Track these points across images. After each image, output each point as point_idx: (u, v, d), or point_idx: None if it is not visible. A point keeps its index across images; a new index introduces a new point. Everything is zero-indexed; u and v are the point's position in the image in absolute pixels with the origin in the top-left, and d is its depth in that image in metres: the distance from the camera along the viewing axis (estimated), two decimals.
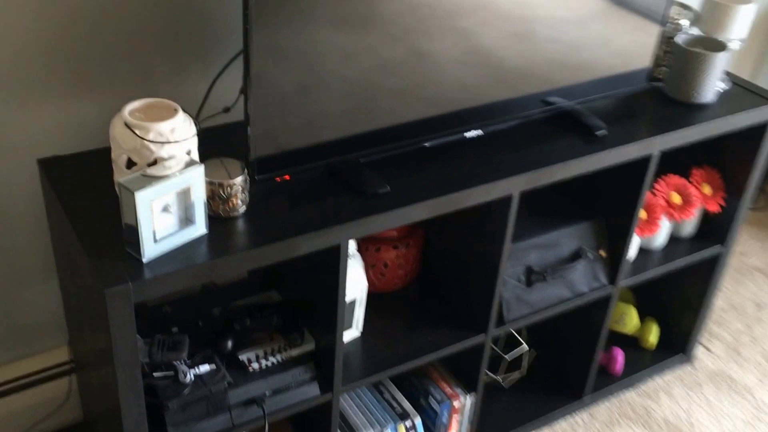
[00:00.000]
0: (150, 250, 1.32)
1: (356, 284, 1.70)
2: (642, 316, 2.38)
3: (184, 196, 1.35)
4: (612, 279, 1.98)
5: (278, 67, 1.36)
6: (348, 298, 1.69)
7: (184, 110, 1.41)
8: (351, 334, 1.76)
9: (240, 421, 1.57)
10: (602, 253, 1.94)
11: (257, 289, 1.83)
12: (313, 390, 1.64)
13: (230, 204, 1.42)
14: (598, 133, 1.75)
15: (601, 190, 1.94)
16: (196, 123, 1.42)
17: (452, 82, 1.58)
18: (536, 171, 1.63)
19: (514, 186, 1.62)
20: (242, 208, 1.45)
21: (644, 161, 1.81)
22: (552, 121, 1.79)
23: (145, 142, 1.33)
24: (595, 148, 1.71)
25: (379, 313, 1.86)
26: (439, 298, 1.90)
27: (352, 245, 1.68)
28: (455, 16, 1.51)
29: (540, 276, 1.84)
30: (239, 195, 1.43)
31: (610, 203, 1.93)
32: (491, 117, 1.69)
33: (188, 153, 1.39)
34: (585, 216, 1.92)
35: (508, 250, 1.71)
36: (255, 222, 1.44)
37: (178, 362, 1.55)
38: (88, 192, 1.46)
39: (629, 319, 2.29)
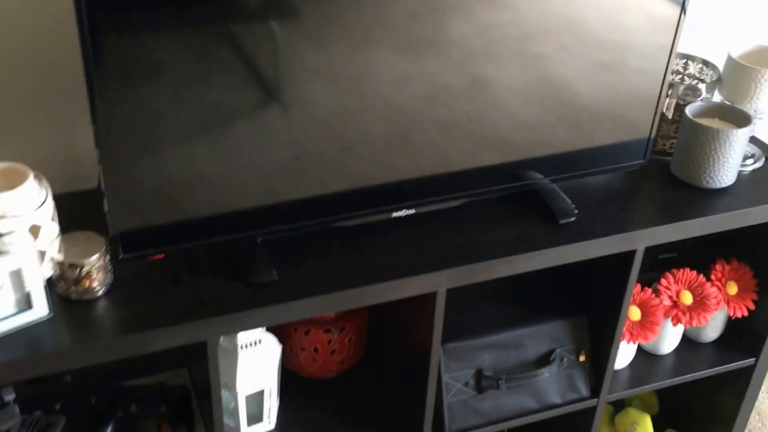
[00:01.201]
0: None
1: (264, 373, 1.60)
2: (661, 428, 2.15)
3: (20, 276, 1.30)
4: (595, 390, 1.78)
5: (138, 124, 1.28)
6: (253, 389, 1.60)
7: (38, 176, 1.36)
8: (261, 427, 1.67)
9: None
10: (582, 358, 1.75)
11: (176, 365, 1.76)
12: None
13: (82, 286, 1.36)
14: (562, 221, 1.58)
15: (583, 282, 1.75)
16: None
17: (378, 147, 1.45)
18: (466, 266, 1.48)
19: (436, 283, 1.47)
20: (101, 290, 1.38)
21: (627, 256, 1.62)
22: (514, 199, 1.63)
23: None
24: (554, 240, 1.54)
25: (308, 403, 1.75)
26: (377, 393, 1.77)
27: (256, 332, 1.58)
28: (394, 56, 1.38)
29: (492, 382, 1.67)
30: (95, 276, 1.36)
31: (593, 299, 1.74)
32: (430, 193, 1.54)
33: (33, 226, 1.33)
34: (562, 311, 1.74)
35: (438, 351, 1.56)
36: (112, 308, 1.37)
37: None
38: None
39: (642, 431, 2.07)
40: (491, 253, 1.50)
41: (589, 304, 1.74)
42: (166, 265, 1.45)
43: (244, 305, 1.38)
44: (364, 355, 1.83)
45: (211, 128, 1.33)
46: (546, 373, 1.71)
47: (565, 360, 1.73)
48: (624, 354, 1.83)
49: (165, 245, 1.41)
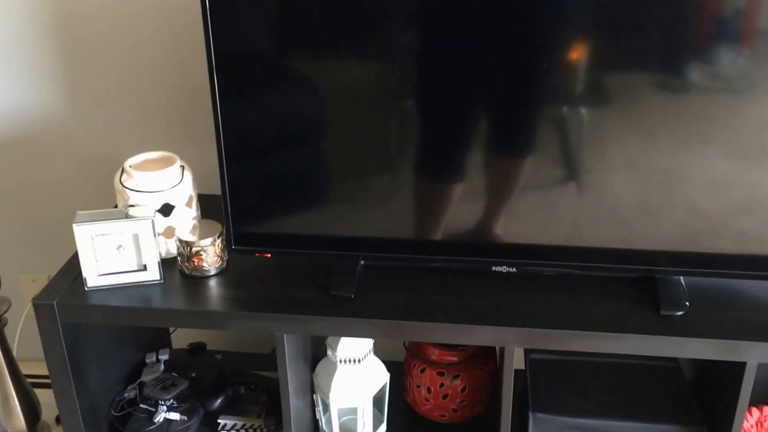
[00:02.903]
0: (91, 280, 1.68)
1: (360, 393, 1.82)
2: None
3: (138, 241, 1.67)
4: None
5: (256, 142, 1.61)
6: (345, 404, 1.82)
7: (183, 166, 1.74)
8: None
9: None
10: None
11: None
12: None
13: (193, 263, 1.70)
14: (665, 312, 1.60)
15: (706, 393, 1.72)
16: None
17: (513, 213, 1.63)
18: (536, 329, 1.57)
19: (502, 338, 1.59)
20: (211, 271, 1.72)
21: (737, 370, 1.58)
22: (623, 280, 1.68)
23: (122, 186, 1.70)
24: (643, 328, 1.57)
25: None
26: None
27: (363, 346, 1.80)
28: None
29: None
30: (204, 257, 1.70)
31: (713, 412, 1.70)
32: (540, 258, 1.66)
33: (166, 205, 1.71)
34: (679, 417, 1.73)
35: (508, 413, 1.67)
36: (212, 288, 1.69)
37: (163, 402, 1.88)
38: None
39: None
40: (570, 324, 1.58)
41: (710, 416, 1.70)
42: (275, 263, 1.74)
43: (310, 311, 1.62)
44: (482, 411, 1.95)
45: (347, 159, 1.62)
46: None
47: None
48: None
49: (271, 247, 1.70)
